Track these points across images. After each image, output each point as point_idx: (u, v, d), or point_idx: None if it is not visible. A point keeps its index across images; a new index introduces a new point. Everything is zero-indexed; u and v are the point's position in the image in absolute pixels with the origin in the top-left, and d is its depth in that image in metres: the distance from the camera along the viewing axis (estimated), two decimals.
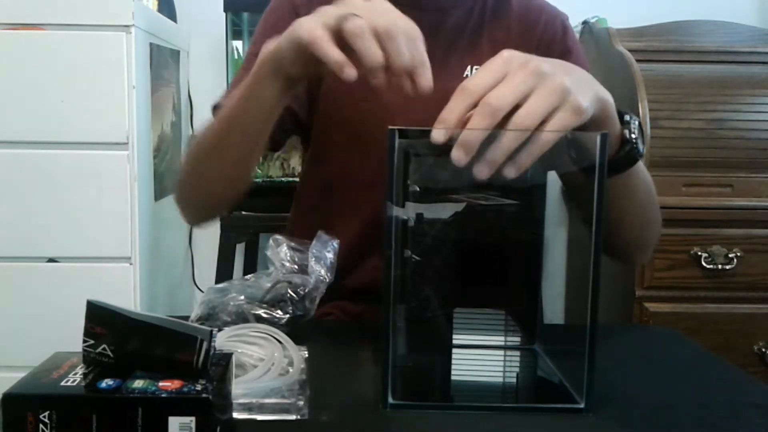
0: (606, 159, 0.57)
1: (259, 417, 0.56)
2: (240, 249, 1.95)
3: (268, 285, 0.76)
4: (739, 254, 1.62)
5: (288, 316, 0.74)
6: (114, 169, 1.50)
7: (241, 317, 0.74)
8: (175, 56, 1.88)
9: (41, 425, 0.45)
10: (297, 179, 1.49)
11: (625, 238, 0.83)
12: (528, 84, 0.58)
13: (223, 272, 1.83)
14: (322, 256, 0.76)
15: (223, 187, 0.86)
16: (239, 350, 0.65)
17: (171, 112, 1.85)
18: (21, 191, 1.50)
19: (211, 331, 0.48)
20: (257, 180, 1.78)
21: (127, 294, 1.53)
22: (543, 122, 0.58)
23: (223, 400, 0.49)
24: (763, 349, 1.64)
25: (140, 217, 1.54)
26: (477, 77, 0.59)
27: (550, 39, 0.98)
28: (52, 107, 1.48)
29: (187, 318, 0.73)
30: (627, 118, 0.72)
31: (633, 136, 0.71)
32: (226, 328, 0.70)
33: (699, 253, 1.62)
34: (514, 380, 0.68)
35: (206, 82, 2.05)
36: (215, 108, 0.92)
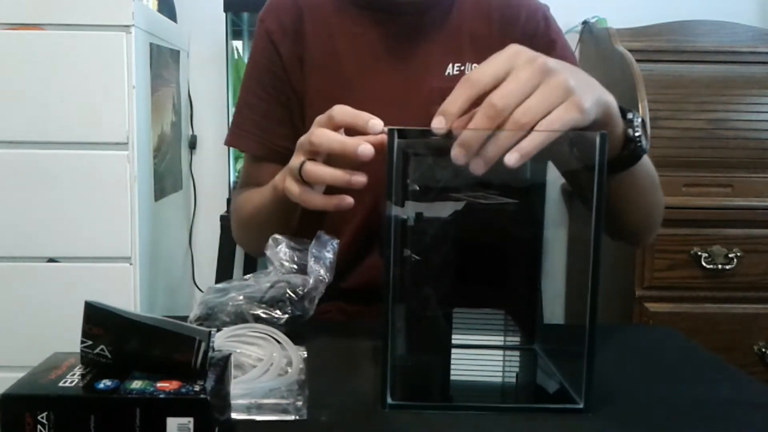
0: (605, 159, 0.57)
1: (258, 417, 0.56)
2: (240, 249, 1.95)
3: (267, 285, 0.75)
4: (739, 254, 1.62)
5: (287, 316, 0.74)
6: (114, 169, 1.50)
7: (240, 317, 0.74)
8: (175, 56, 1.88)
9: (39, 426, 0.45)
10: None
11: (631, 223, 0.86)
12: (533, 81, 0.58)
13: (223, 272, 1.84)
14: (322, 256, 0.76)
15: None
16: (238, 350, 0.65)
17: (171, 112, 1.85)
18: (21, 191, 1.50)
19: (210, 331, 0.48)
20: None
21: (126, 294, 1.53)
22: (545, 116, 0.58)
23: (221, 401, 0.49)
24: (763, 349, 1.64)
25: (140, 217, 1.54)
26: (481, 69, 0.59)
27: (532, 32, 0.97)
28: (52, 107, 1.48)
29: (186, 318, 0.73)
30: (630, 116, 0.71)
31: (636, 134, 0.71)
32: (225, 329, 0.70)
33: (699, 253, 1.62)
34: (514, 380, 0.68)
35: (206, 82, 2.04)
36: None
